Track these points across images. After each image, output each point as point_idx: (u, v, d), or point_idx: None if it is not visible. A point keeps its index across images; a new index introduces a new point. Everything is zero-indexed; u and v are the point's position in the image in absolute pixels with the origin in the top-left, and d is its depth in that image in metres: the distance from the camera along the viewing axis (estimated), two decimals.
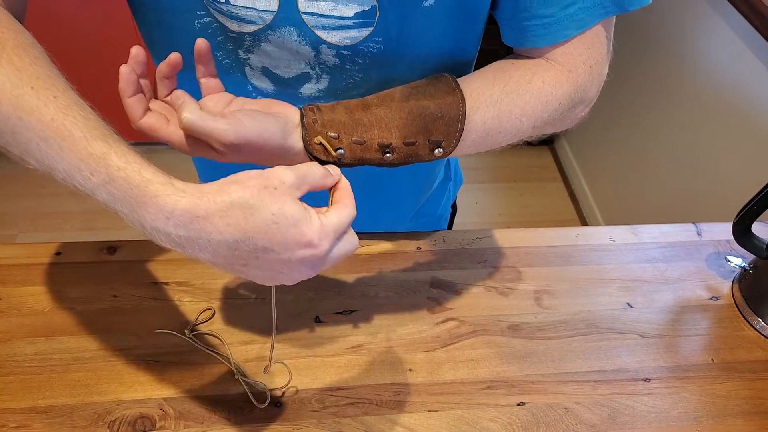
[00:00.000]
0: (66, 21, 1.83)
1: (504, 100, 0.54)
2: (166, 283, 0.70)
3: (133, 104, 0.47)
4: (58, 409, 0.58)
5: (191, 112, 0.45)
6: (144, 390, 0.60)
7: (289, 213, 0.38)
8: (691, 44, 1.51)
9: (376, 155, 0.51)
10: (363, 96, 0.61)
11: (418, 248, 0.77)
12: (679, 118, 1.59)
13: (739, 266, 0.75)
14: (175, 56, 0.48)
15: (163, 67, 0.49)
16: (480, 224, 2.04)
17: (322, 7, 0.53)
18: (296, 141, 0.50)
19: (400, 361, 0.64)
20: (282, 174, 0.40)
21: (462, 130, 0.52)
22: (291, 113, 0.51)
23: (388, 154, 0.51)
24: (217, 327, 0.66)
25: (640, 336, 0.69)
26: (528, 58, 0.57)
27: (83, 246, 0.73)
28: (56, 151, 0.39)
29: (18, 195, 2.03)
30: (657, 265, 0.78)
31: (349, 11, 0.53)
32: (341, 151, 0.50)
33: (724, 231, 0.83)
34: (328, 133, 0.50)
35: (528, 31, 0.55)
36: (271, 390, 0.60)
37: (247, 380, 0.61)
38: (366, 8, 0.53)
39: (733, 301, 0.74)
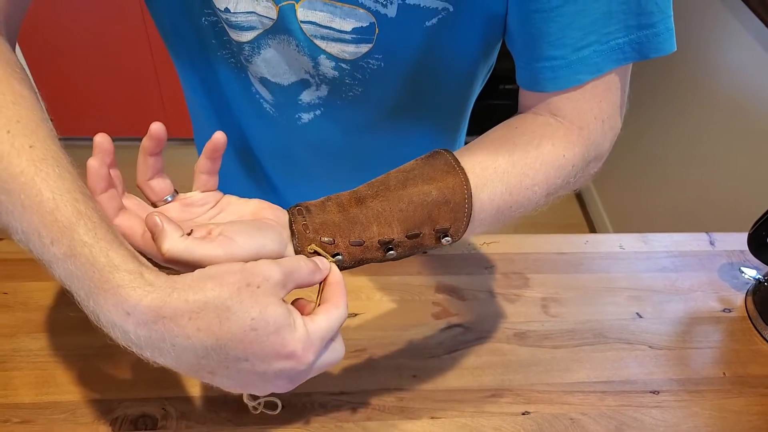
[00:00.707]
0: (72, 11, 1.85)
1: (512, 171, 0.48)
2: None
3: (104, 202, 0.39)
4: (62, 406, 0.58)
5: (173, 243, 0.37)
6: (146, 389, 0.60)
7: (271, 318, 0.34)
8: (705, 47, 1.49)
9: (378, 254, 0.45)
10: (362, 114, 0.60)
11: (423, 252, 0.76)
12: (693, 123, 1.57)
13: (754, 278, 0.74)
14: (218, 136, 0.44)
15: (146, 142, 0.42)
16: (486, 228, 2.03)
17: (320, 17, 0.51)
18: (291, 250, 0.44)
19: (404, 367, 0.64)
20: (267, 270, 0.35)
21: (470, 213, 0.46)
22: (283, 219, 0.45)
23: (392, 252, 0.45)
24: None
25: (650, 347, 0.68)
26: (535, 114, 0.52)
27: None
28: (18, 209, 0.34)
29: None
30: (668, 274, 0.77)
31: (347, 26, 0.51)
32: (339, 257, 0.44)
33: (738, 241, 0.81)
34: (322, 239, 0.43)
35: (537, 73, 0.49)
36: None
37: None
38: (364, 24, 0.51)
39: (746, 314, 0.73)
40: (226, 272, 0.34)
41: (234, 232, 0.39)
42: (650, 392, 0.64)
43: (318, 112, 0.61)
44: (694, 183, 1.56)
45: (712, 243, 0.81)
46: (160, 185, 0.45)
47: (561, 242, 0.79)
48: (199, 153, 0.76)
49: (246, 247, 0.39)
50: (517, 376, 0.64)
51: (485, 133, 0.52)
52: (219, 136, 0.44)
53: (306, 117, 0.62)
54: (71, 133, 2.00)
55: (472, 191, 0.46)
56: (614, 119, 0.52)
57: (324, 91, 0.59)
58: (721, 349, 0.69)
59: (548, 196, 0.50)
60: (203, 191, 0.46)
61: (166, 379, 0.61)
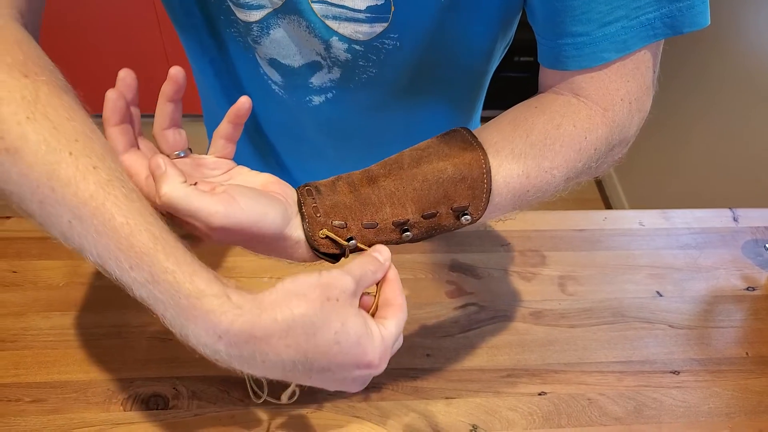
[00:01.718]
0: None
1: (529, 152, 0.44)
2: None
3: (115, 135, 0.39)
4: (73, 385, 0.58)
5: (173, 188, 0.36)
6: (158, 368, 0.59)
7: (352, 330, 0.35)
8: (731, 19, 1.43)
9: (393, 236, 0.43)
10: (376, 94, 0.57)
11: (444, 233, 0.74)
12: (714, 95, 1.52)
13: None
14: (243, 101, 0.43)
15: (166, 86, 0.42)
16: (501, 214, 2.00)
17: None
18: (296, 228, 0.42)
19: (418, 346, 0.63)
20: (343, 282, 0.35)
21: (489, 189, 0.44)
22: (292, 195, 0.43)
23: (407, 233, 0.43)
24: None
25: (670, 326, 0.66)
26: (555, 93, 0.48)
27: None
28: (92, 234, 0.34)
29: None
30: (689, 252, 0.74)
31: (361, 3, 0.48)
32: (353, 241, 0.42)
33: (762, 217, 0.79)
34: (333, 223, 0.42)
35: (560, 51, 0.46)
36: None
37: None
38: (379, 2, 0.48)
39: None
40: (307, 287, 0.34)
41: (238, 193, 0.38)
42: (670, 372, 0.62)
43: (330, 95, 0.59)
44: (715, 158, 1.52)
45: (735, 219, 0.79)
46: (175, 137, 0.44)
47: (579, 219, 0.77)
48: (209, 133, 0.74)
49: (247, 210, 0.38)
50: (533, 356, 0.63)
51: (502, 113, 0.49)
52: (244, 101, 0.43)
53: (317, 99, 0.59)
54: None
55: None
56: (642, 101, 0.48)
57: (336, 73, 0.56)
58: (744, 329, 0.67)
59: (568, 181, 0.47)
60: (218, 156, 0.45)
61: (177, 358, 0.60)
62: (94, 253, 0.34)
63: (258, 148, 0.71)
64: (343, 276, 0.36)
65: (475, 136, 0.45)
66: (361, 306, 0.39)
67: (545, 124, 0.46)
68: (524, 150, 0.45)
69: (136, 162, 0.40)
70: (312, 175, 0.73)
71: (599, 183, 2.14)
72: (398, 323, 0.39)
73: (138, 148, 0.42)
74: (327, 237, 0.42)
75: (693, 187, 1.62)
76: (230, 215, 0.37)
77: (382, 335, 0.37)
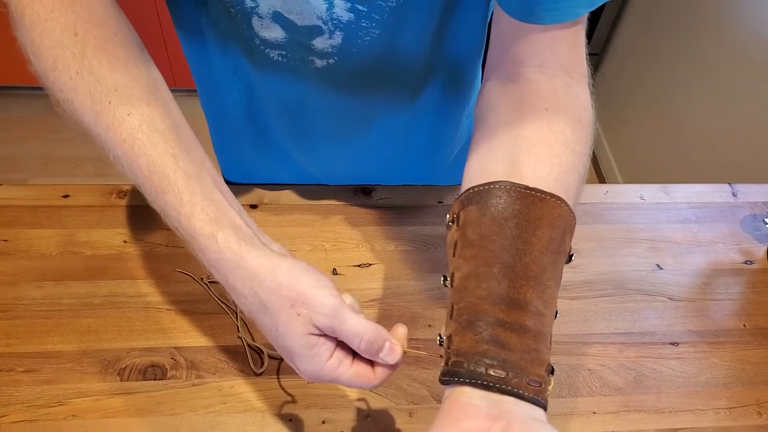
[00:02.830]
0: None
1: (572, 160, 0.42)
2: None
3: None
4: (68, 355, 0.57)
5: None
6: (155, 338, 0.58)
7: (289, 343, 0.39)
8: None
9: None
10: (380, 51, 0.55)
11: (439, 202, 0.73)
12: (714, 72, 1.51)
13: None
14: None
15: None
16: None
17: None
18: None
19: (419, 317, 0.62)
20: (317, 313, 0.38)
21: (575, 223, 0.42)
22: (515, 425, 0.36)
23: (557, 314, 0.41)
24: None
25: (669, 299, 0.67)
26: (548, 77, 0.44)
27: (92, 189, 0.70)
28: (125, 168, 0.42)
29: (30, 139, 2.01)
30: (689, 226, 0.74)
31: None
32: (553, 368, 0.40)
33: (761, 192, 0.79)
34: (546, 372, 0.38)
35: (534, 3, 0.43)
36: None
37: (249, 343, 0.59)
38: None
39: None
40: (291, 284, 0.38)
41: None
42: (670, 344, 0.63)
43: (332, 61, 0.56)
44: (713, 135, 1.52)
45: (734, 194, 0.79)
46: None
47: None
48: (205, 111, 0.71)
49: None
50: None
51: (517, 131, 0.43)
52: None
53: (319, 63, 0.57)
54: None
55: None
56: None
57: (338, 38, 0.54)
58: (742, 301, 0.67)
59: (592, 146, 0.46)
60: None
61: (176, 329, 0.59)
62: (131, 178, 0.42)
63: (258, 134, 0.69)
64: (321, 312, 0.38)
65: (520, 185, 0.40)
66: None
67: (569, 120, 0.43)
68: (569, 160, 0.42)
69: None
70: (315, 157, 0.71)
71: (594, 160, 2.14)
72: (353, 382, 0.40)
73: None
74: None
75: (690, 164, 1.62)
76: None
77: (322, 366, 0.39)
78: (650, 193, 0.78)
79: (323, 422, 0.54)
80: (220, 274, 0.40)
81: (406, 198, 0.73)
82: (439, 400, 0.56)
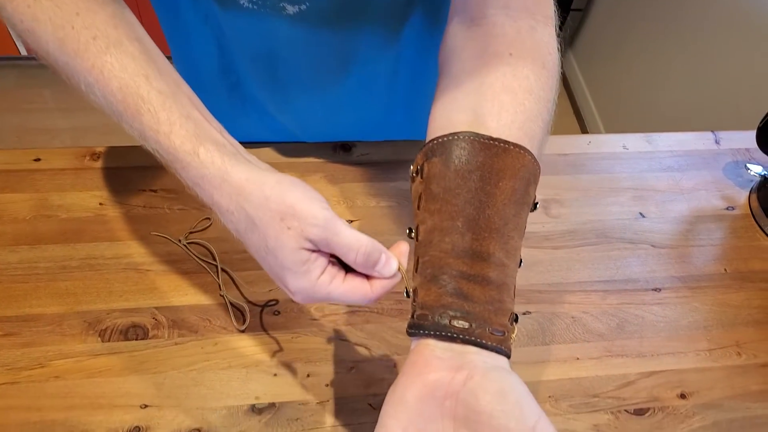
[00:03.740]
0: None
1: (536, 108, 0.41)
2: (155, 191, 0.66)
3: None
4: (47, 318, 0.56)
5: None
6: (135, 299, 0.58)
7: (281, 257, 0.37)
8: None
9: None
10: (355, 9, 0.53)
11: None
12: (696, 20, 1.50)
13: (759, 174, 0.72)
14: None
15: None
16: None
17: None
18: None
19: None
20: (308, 224, 0.36)
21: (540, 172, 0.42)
22: (477, 376, 0.35)
23: (522, 262, 0.42)
24: (212, 236, 0.63)
25: (652, 246, 0.67)
26: (513, 20, 0.43)
27: (64, 152, 0.68)
28: (94, 92, 0.39)
29: (4, 110, 1.96)
30: (672, 174, 0.74)
31: None
32: (517, 317, 0.40)
33: (744, 139, 0.79)
34: (509, 321, 0.39)
35: None
36: (267, 302, 0.58)
37: (232, 300, 0.59)
38: None
39: (749, 211, 0.71)
40: (279, 198, 0.36)
41: None
42: (652, 290, 0.63)
43: (303, 6, 0.55)
44: (696, 81, 1.51)
45: (717, 142, 0.79)
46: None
47: (563, 143, 0.76)
48: (178, 70, 0.69)
49: None
50: (517, 277, 0.62)
51: (481, 79, 0.42)
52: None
53: (291, 9, 0.55)
54: None
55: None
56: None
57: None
58: (723, 246, 0.68)
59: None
60: None
61: (156, 289, 0.58)
62: (105, 107, 0.40)
63: (232, 87, 0.67)
64: (314, 223, 0.36)
65: (484, 135, 0.39)
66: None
67: (533, 65, 0.42)
68: (533, 108, 0.41)
69: None
70: (289, 109, 0.69)
71: (576, 110, 2.14)
72: (344, 292, 0.38)
73: None
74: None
75: (673, 113, 1.61)
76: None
77: (314, 282, 0.37)
78: (633, 142, 0.77)
79: (308, 375, 0.54)
80: (205, 192, 0.38)
81: (387, 154, 0.72)
82: None
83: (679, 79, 1.58)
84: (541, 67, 0.42)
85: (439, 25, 0.63)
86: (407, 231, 0.43)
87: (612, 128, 1.93)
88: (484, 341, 0.36)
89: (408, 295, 0.40)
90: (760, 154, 0.74)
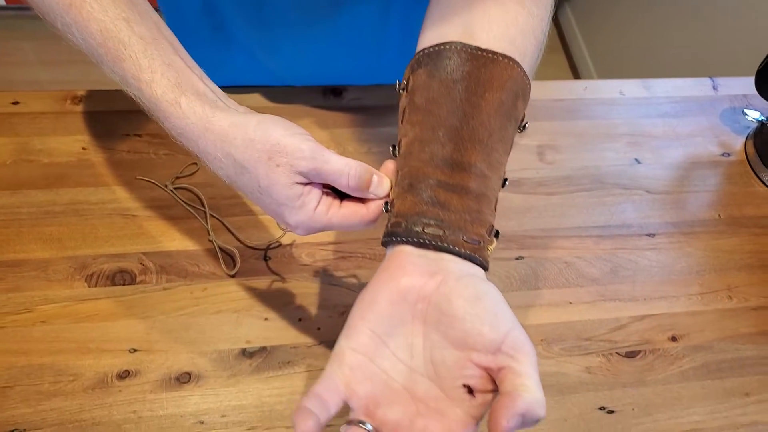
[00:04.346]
0: None
1: (530, 22, 0.40)
2: (139, 135, 0.64)
3: None
4: (31, 263, 0.55)
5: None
6: (122, 244, 0.56)
7: (275, 194, 0.37)
8: None
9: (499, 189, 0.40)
10: None
11: None
12: None
13: (757, 120, 0.70)
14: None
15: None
16: None
17: None
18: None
19: None
20: (295, 157, 0.36)
21: (530, 86, 0.40)
22: (448, 280, 0.34)
23: (506, 181, 0.41)
24: (199, 181, 0.61)
25: (647, 192, 0.66)
26: None
27: (44, 95, 0.66)
28: (74, 32, 0.38)
29: None
30: (668, 120, 0.73)
31: None
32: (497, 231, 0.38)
33: (742, 85, 0.77)
34: (486, 232, 0.37)
35: None
36: (257, 245, 0.57)
37: (221, 245, 0.58)
38: None
39: (745, 158, 0.70)
40: (264, 137, 0.36)
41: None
42: (646, 235, 0.63)
43: None
44: (693, 27, 1.48)
45: (715, 88, 0.77)
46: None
47: (559, 88, 0.74)
48: (162, 10, 0.66)
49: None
50: (510, 223, 0.62)
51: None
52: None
53: None
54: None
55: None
56: None
57: None
58: (718, 192, 0.67)
59: (550, 15, 0.44)
60: None
61: (142, 234, 0.57)
62: (84, 48, 0.39)
63: (217, 28, 0.64)
64: (301, 156, 0.36)
65: (472, 46, 0.38)
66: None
67: None
68: (526, 22, 0.39)
69: None
70: (279, 54, 0.67)
71: (569, 57, 2.10)
72: (342, 218, 0.38)
73: None
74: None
75: (670, 59, 1.59)
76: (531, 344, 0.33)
77: (311, 214, 0.37)
78: (630, 88, 0.76)
79: (299, 320, 0.54)
80: (190, 140, 0.37)
81: (379, 98, 0.70)
82: None
83: (676, 26, 1.54)
84: None
85: None
86: (391, 148, 0.41)
87: (605, 74, 1.90)
88: (457, 248, 0.35)
89: (387, 209, 0.39)
90: (758, 101, 0.73)
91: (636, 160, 0.69)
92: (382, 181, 0.39)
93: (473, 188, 0.36)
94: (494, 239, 0.38)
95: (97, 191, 0.59)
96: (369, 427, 0.32)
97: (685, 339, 0.56)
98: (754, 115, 0.71)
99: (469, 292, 0.33)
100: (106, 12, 0.37)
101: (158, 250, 0.56)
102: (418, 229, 0.35)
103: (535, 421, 0.29)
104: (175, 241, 0.57)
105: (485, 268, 0.36)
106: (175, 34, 0.69)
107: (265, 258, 0.57)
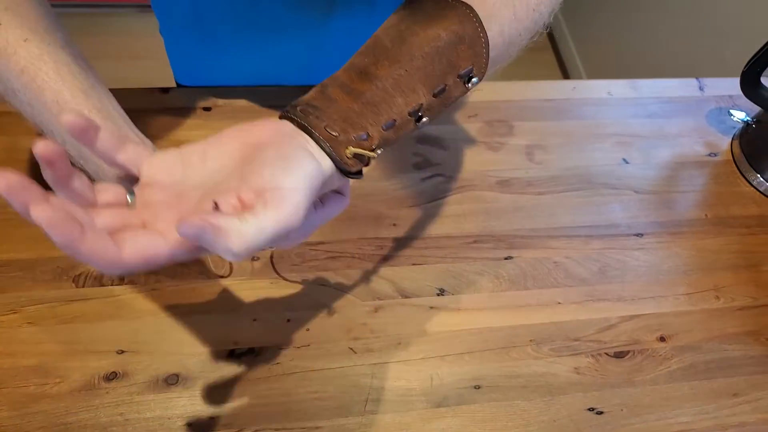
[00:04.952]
0: None
1: (519, 3, 0.40)
2: None
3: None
4: (18, 263, 0.54)
5: (239, 237, 0.30)
6: None
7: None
8: None
9: (409, 127, 0.38)
10: None
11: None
12: None
13: (742, 120, 0.71)
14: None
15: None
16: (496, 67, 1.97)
17: None
18: (327, 162, 0.35)
19: (384, 216, 0.61)
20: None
21: (488, 43, 0.39)
22: (284, 129, 0.34)
23: (423, 119, 0.39)
24: None
25: (635, 192, 0.66)
26: None
27: None
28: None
29: None
30: (656, 120, 0.73)
31: None
32: (379, 151, 0.37)
33: (728, 86, 0.78)
34: (356, 136, 0.36)
35: None
36: None
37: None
38: None
39: (731, 158, 0.71)
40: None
41: (276, 187, 0.31)
42: (634, 235, 0.63)
43: None
44: (680, 28, 1.49)
45: (701, 88, 0.78)
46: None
47: (548, 89, 0.75)
48: (159, 22, 0.65)
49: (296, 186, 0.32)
50: (499, 222, 0.62)
51: None
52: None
53: None
54: None
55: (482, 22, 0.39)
56: None
57: None
58: (705, 192, 0.68)
59: (551, 14, 0.44)
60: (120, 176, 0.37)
61: None
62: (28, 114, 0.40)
63: (207, 25, 0.64)
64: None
65: None
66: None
67: None
68: None
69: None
70: (267, 52, 0.66)
71: (559, 57, 2.11)
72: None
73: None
74: (355, 155, 0.36)
75: (657, 62, 1.60)
76: (297, 215, 0.31)
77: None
78: (618, 88, 0.76)
79: (288, 321, 0.54)
80: None
81: None
82: (404, 296, 0.56)
83: (664, 27, 1.56)
84: None
85: None
86: None
87: (594, 74, 1.91)
88: (314, 130, 0.34)
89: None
90: (743, 102, 0.74)
91: (624, 160, 0.69)
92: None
93: (366, 95, 0.36)
94: (370, 153, 0.36)
95: None
96: (132, 197, 0.34)
97: (674, 339, 0.57)
98: (739, 115, 0.72)
99: (285, 152, 0.33)
100: (64, 81, 0.38)
101: None
102: (297, 110, 0.36)
103: (224, 250, 0.29)
104: None
105: (339, 167, 0.35)
106: (168, 36, 0.69)
107: (254, 259, 0.57)
